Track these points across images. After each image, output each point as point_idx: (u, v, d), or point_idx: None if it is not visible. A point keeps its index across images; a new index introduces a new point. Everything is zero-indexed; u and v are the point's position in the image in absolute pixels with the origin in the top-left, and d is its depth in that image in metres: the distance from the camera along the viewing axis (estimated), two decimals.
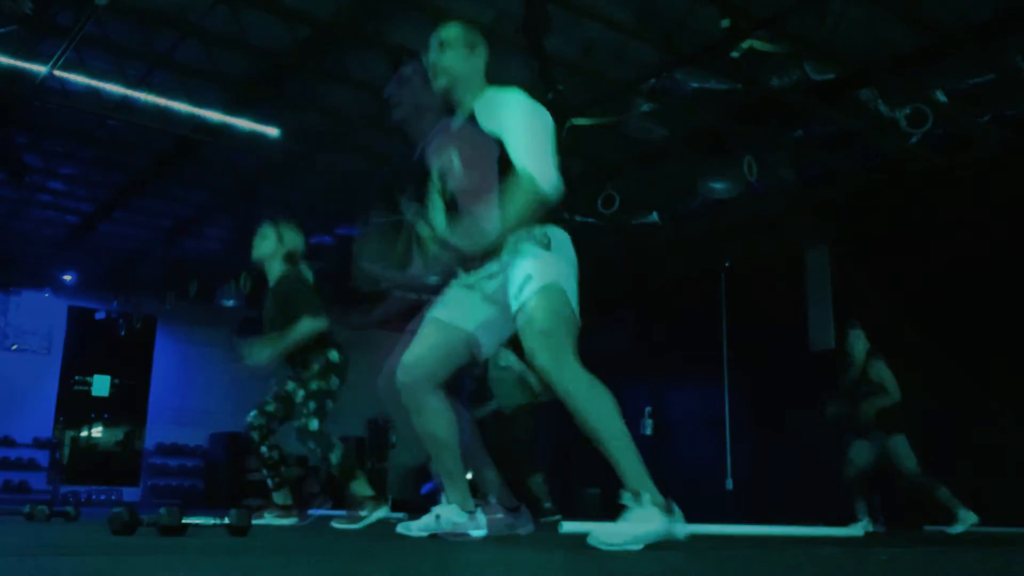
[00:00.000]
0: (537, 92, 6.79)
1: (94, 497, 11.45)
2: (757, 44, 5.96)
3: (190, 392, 12.38)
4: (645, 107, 7.10)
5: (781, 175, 7.76)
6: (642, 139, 7.72)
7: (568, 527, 3.82)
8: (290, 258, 4.79)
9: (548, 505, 7.20)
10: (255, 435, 4.62)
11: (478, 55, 2.96)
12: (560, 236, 2.79)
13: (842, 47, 6.14)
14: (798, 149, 7.74)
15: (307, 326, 4.51)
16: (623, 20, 6.07)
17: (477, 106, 2.88)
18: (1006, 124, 7.06)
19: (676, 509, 2.53)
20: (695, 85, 6.80)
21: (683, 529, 2.50)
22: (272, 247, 4.78)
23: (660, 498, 2.52)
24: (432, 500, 3.22)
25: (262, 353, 4.50)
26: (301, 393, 4.53)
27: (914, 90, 6.62)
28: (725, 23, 5.58)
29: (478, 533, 2.94)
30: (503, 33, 6.12)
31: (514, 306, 2.68)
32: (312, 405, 4.50)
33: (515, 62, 6.40)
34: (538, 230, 2.72)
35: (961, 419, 7.62)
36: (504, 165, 2.76)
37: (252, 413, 4.65)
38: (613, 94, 6.93)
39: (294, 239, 4.84)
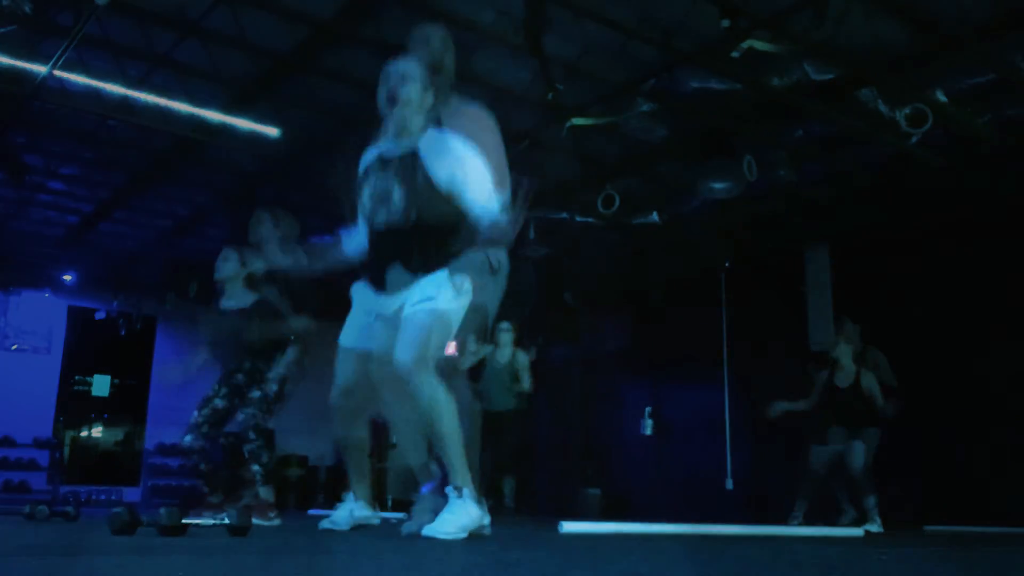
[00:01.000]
0: (537, 92, 6.81)
1: (94, 497, 11.44)
2: (757, 44, 5.96)
3: (190, 392, 12.36)
4: (645, 107, 7.09)
5: (781, 175, 7.75)
6: (642, 139, 7.72)
7: (568, 527, 3.82)
8: (252, 281, 4.87)
9: (511, 505, 7.39)
10: (194, 458, 4.79)
11: (429, 94, 3.21)
12: (469, 287, 3.08)
13: (842, 47, 6.14)
14: (798, 149, 7.73)
15: (293, 353, 4.75)
16: (623, 20, 6.06)
17: (422, 143, 3.09)
18: (1006, 124, 7.06)
19: (484, 502, 3.01)
20: (695, 85, 6.79)
21: (488, 522, 2.98)
22: (234, 270, 4.85)
23: (476, 495, 2.97)
24: (433, 500, 3.24)
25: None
26: (259, 394, 4.74)
27: (914, 90, 6.62)
28: (725, 23, 5.58)
29: (376, 522, 3.45)
30: (503, 33, 6.12)
31: (405, 312, 3.01)
32: (266, 406, 4.74)
33: (515, 62, 6.41)
34: (456, 276, 3.03)
35: (961, 419, 7.62)
36: (448, 213, 3.02)
37: (187, 437, 4.77)
38: (613, 94, 6.92)
39: (256, 264, 4.91)
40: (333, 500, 6.63)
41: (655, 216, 9.07)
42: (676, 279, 10.42)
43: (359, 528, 3.38)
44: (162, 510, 2.69)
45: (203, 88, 7.09)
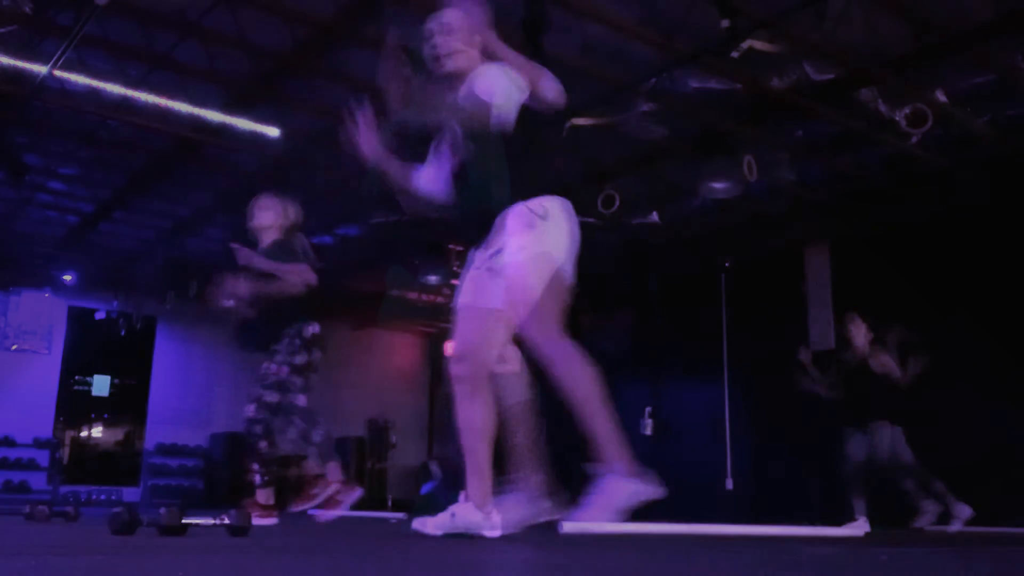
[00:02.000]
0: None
1: (94, 497, 11.44)
2: (757, 44, 5.96)
3: (190, 392, 12.39)
4: (645, 107, 7.10)
5: (781, 175, 7.76)
6: (642, 139, 7.72)
7: (568, 527, 3.81)
8: (290, 230, 4.82)
9: None
10: (257, 429, 4.54)
11: (476, 39, 3.08)
12: (558, 207, 2.88)
13: (842, 47, 6.14)
14: (798, 149, 7.74)
15: (304, 271, 4.54)
16: (623, 20, 6.07)
17: (477, 83, 2.96)
18: (1006, 124, 7.06)
19: (495, 516, 2.86)
20: (695, 85, 6.80)
21: (494, 532, 2.82)
22: (273, 219, 4.76)
23: (485, 505, 2.84)
24: (432, 500, 3.24)
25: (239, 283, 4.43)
26: (286, 369, 4.50)
27: (914, 90, 6.62)
28: (725, 23, 5.58)
29: (492, 533, 2.89)
30: (503, 33, 6.12)
31: (473, 269, 2.86)
32: (299, 381, 4.49)
33: None
34: (537, 202, 2.82)
35: (961, 418, 7.62)
36: (505, 134, 2.86)
37: (251, 408, 4.57)
38: (613, 94, 6.92)
39: (297, 214, 4.86)
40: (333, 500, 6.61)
41: (655, 216, 9.07)
42: (676, 279, 10.42)
43: (371, 529, 3.30)
44: (162, 510, 2.69)
45: (203, 88, 7.09)
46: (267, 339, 4.62)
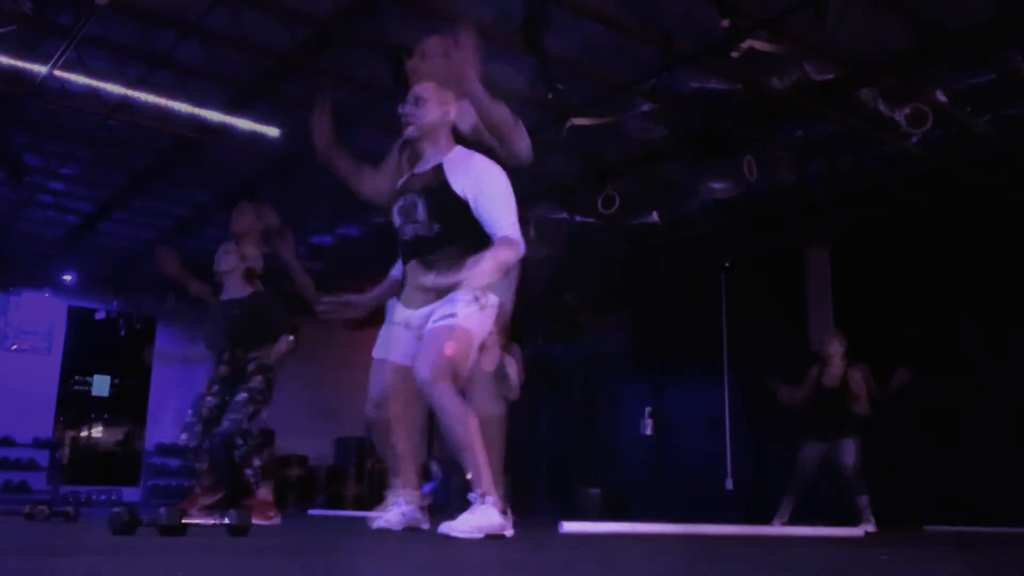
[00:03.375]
0: (537, 92, 6.80)
1: (94, 497, 11.45)
2: (757, 44, 5.96)
3: (190, 392, 12.35)
4: (645, 107, 7.09)
5: (781, 175, 7.75)
6: (642, 139, 7.72)
7: (568, 527, 3.82)
8: (265, 234, 4.93)
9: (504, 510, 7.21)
10: (189, 456, 4.81)
11: (447, 112, 3.33)
12: (494, 301, 3.20)
13: (842, 47, 6.14)
14: (798, 149, 7.73)
15: (285, 345, 4.79)
16: (623, 20, 6.07)
17: (446, 161, 3.23)
18: (1006, 124, 7.06)
19: (509, 513, 3.12)
20: (695, 85, 6.80)
21: (510, 530, 3.04)
22: (249, 224, 4.92)
23: (499, 503, 3.03)
24: (432, 500, 3.27)
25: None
26: (244, 395, 4.75)
27: (914, 90, 6.62)
28: (725, 23, 5.58)
29: (509, 532, 3.17)
30: (503, 33, 6.12)
31: (428, 325, 3.13)
32: (251, 409, 4.75)
33: (515, 62, 6.41)
34: (479, 292, 3.12)
35: (961, 419, 7.62)
36: (468, 224, 3.15)
37: (183, 436, 4.84)
38: (613, 94, 6.92)
39: (273, 219, 5.03)
40: (333, 500, 6.61)
41: (655, 216, 9.07)
42: (676, 279, 10.42)
43: (409, 531, 3.39)
44: (162, 510, 2.69)
45: (203, 88, 7.09)
46: (232, 339, 4.76)
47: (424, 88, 3.32)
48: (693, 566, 2.01)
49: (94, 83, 6.74)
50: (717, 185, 7.56)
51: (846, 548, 3.32)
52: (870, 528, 6.27)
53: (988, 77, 6.48)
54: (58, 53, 6.21)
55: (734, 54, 5.98)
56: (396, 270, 3.53)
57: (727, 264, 9.97)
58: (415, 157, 3.37)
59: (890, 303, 8.20)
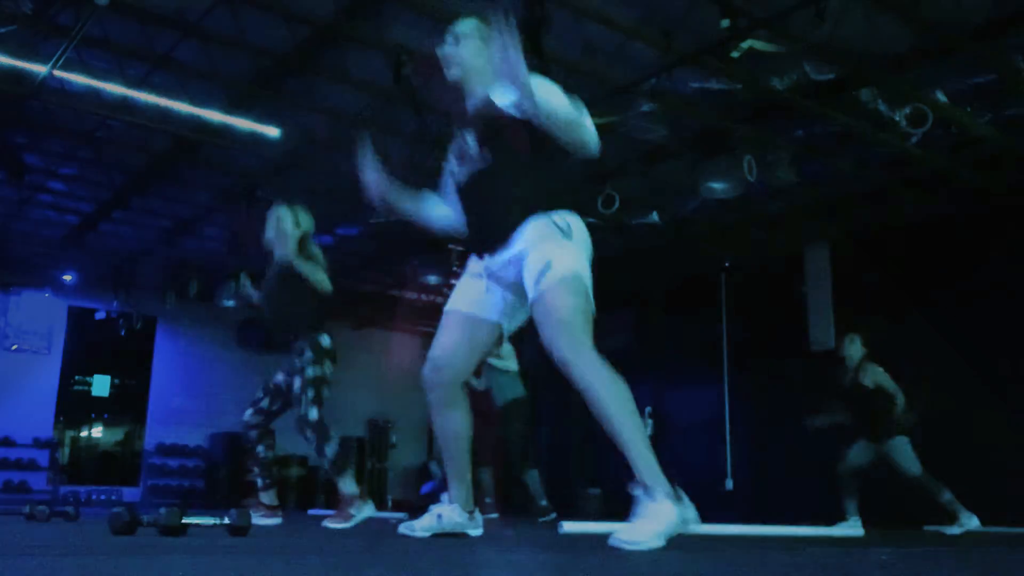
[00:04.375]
0: None
1: (94, 497, 11.45)
2: (757, 44, 5.96)
3: (190, 392, 12.38)
4: (645, 107, 7.09)
5: (781, 175, 7.75)
6: (642, 139, 7.72)
7: (568, 527, 3.82)
8: (303, 241, 4.80)
9: (543, 504, 7.15)
10: (253, 434, 4.63)
11: (492, 46, 2.86)
12: (579, 225, 2.76)
13: (842, 47, 6.14)
14: (798, 149, 7.74)
15: (324, 279, 4.55)
16: (623, 20, 6.07)
17: (493, 91, 2.87)
18: (1006, 124, 7.06)
19: (684, 497, 2.54)
20: (695, 85, 6.79)
21: (694, 517, 2.52)
22: (289, 229, 4.70)
23: (670, 489, 2.51)
24: (432, 500, 3.24)
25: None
26: (298, 381, 4.50)
27: (914, 90, 6.62)
28: (725, 23, 5.58)
29: (476, 532, 2.99)
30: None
31: (532, 294, 2.66)
32: (311, 393, 4.46)
33: None
34: (559, 216, 2.71)
35: (963, 418, 7.62)
36: (524, 148, 2.75)
37: (248, 412, 4.65)
38: (613, 94, 6.92)
39: (308, 222, 4.87)
40: (333, 500, 6.66)
41: (655, 216, 9.07)
42: (676, 279, 10.42)
43: (373, 529, 3.30)
44: (162, 510, 2.69)
45: (203, 88, 7.09)
46: (273, 342, 4.67)
47: (465, 24, 2.99)
48: (693, 566, 2.01)
49: (94, 83, 6.74)
50: (717, 185, 7.56)
51: (846, 548, 3.32)
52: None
53: (988, 77, 6.48)
54: (58, 53, 6.21)
55: (734, 54, 5.98)
56: (438, 210, 3.06)
57: (727, 264, 9.97)
58: (462, 98, 3.00)
59: (890, 303, 8.20)
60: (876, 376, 6.67)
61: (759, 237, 9.39)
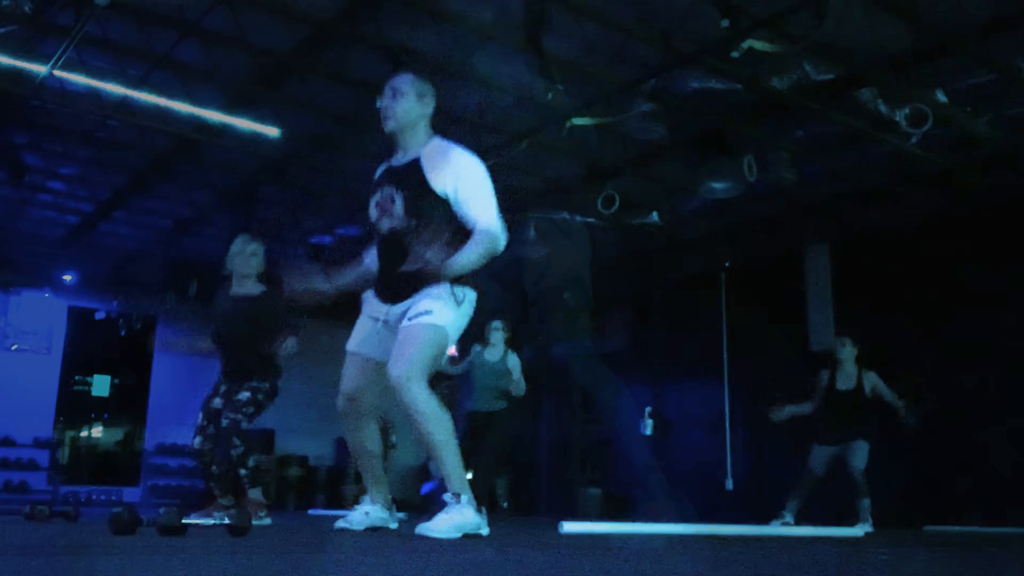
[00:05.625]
0: (537, 92, 6.79)
1: (94, 497, 11.44)
2: (757, 44, 5.96)
3: (190, 392, 12.36)
4: (645, 107, 7.09)
5: (781, 175, 7.76)
6: (642, 139, 7.72)
7: (568, 527, 3.82)
8: (266, 277, 4.90)
9: (505, 505, 7.23)
10: (208, 459, 4.75)
11: (426, 104, 3.26)
12: (471, 299, 3.19)
13: (842, 47, 6.14)
14: (798, 149, 7.74)
15: (293, 344, 4.71)
16: (623, 20, 6.07)
17: (423, 153, 3.18)
18: (1006, 124, 7.06)
19: (484, 511, 3.10)
20: (695, 85, 6.79)
21: (486, 528, 3.02)
22: (259, 266, 4.93)
23: (474, 501, 3.01)
24: (432, 499, 3.28)
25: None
26: (247, 395, 4.72)
27: (914, 90, 6.62)
28: (725, 23, 5.58)
29: (394, 526, 3.39)
30: (503, 33, 6.12)
31: (403, 323, 3.09)
32: (251, 409, 4.73)
33: (515, 62, 6.41)
34: (457, 288, 3.11)
35: (961, 418, 7.62)
36: (445, 220, 3.09)
37: (196, 440, 4.77)
38: (613, 94, 6.92)
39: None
40: (333, 500, 6.62)
41: (655, 216, 9.07)
42: (676, 279, 10.42)
43: (374, 530, 3.37)
44: (162, 510, 2.69)
45: (203, 88, 7.09)
46: (239, 365, 4.77)
47: (402, 80, 3.26)
48: (693, 566, 2.01)
49: (94, 83, 6.74)
50: (717, 185, 7.55)
51: (846, 548, 3.32)
52: (868, 529, 6.27)
53: (988, 77, 6.48)
54: (58, 53, 6.21)
55: (734, 54, 5.98)
56: (369, 259, 3.47)
57: (727, 264, 9.97)
58: (393, 148, 3.32)
59: (890, 303, 8.19)
60: (875, 384, 6.68)
61: (759, 237, 9.39)
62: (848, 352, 6.83)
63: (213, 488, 4.85)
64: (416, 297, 3.11)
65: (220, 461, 4.69)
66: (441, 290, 3.10)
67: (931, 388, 7.26)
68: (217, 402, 4.79)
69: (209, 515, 4.58)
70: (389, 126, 3.24)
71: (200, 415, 4.79)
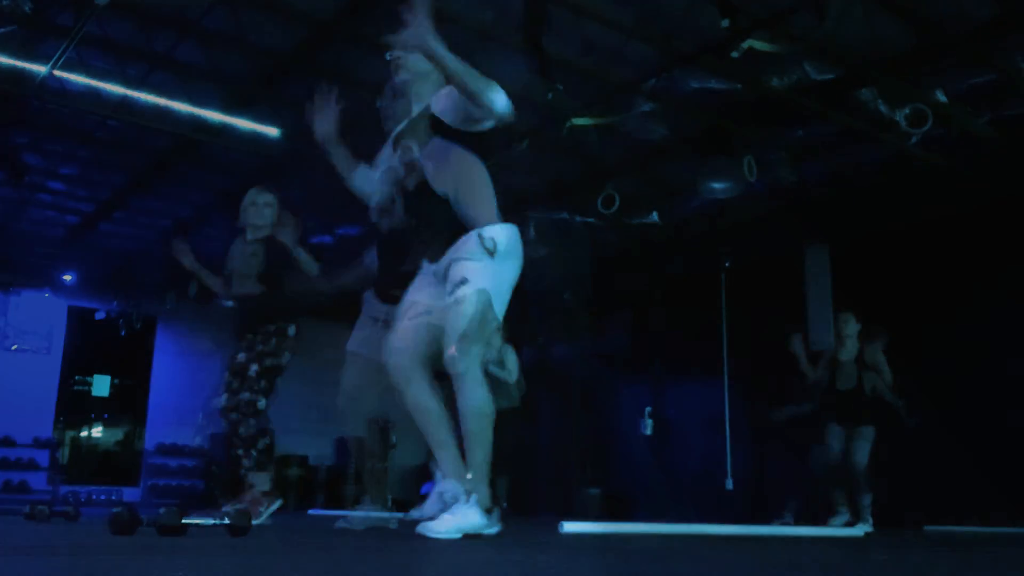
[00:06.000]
0: (537, 92, 6.78)
1: (94, 497, 11.44)
2: (757, 44, 5.96)
3: (190, 392, 12.38)
4: (645, 107, 7.10)
5: (781, 175, 7.76)
6: (642, 139, 7.72)
7: (568, 527, 3.82)
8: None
9: (505, 505, 7.28)
10: (234, 416, 4.60)
11: (432, 79, 3.23)
12: (509, 239, 3.01)
13: (842, 47, 6.14)
14: (798, 149, 7.73)
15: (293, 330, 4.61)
16: (623, 20, 6.07)
17: (424, 155, 3.10)
18: (1006, 124, 7.06)
19: (496, 512, 3.03)
20: (695, 85, 6.79)
21: (494, 530, 2.94)
22: (272, 217, 4.90)
23: (487, 501, 2.92)
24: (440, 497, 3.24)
25: None
26: (255, 368, 4.56)
27: (914, 90, 6.62)
28: (725, 23, 5.58)
29: (492, 531, 3.06)
30: (503, 33, 6.12)
31: (447, 300, 2.95)
32: (263, 383, 4.55)
33: (515, 62, 6.41)
34: (487, 234, 2.95)
35: (961, 418, 7.61)
36: (445, 220, 3.03)
37: (224, 396, 4.63)
38: (613, 94, 6.92)
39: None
40: (333, 500, 6.61)
41: (655, 216, 9.07)
42: (676, 279, 10.42)
43: (374, 529, 3.37)
44: (162, 510, 2.69)
45: (203, 88, 7.09)
46: (245, 327, 4.71)
47: (403, 80, 3.29)
48: (693, 566, 2.01)
49: (94, 83, 6.75)
50: (717, 185, 7.56)
51: (846, 548, 3.32)
52: (868, 529, 6.27)
53: (988, 77, 6.48)
54: (58, 53, 6.21)
55: (734, 54, 5.98)
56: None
57: (727, 264, 9.97)
58: (395, 148, 3.30)
59: (890, 303, 8.19)
60: (876, 356, 6.68)
61: (759, 237, 9.39)
62: (852, 328, 6.83)
63: (213, 488, 4.82)
64: (450, 255, 3.00)
65: (220, 461, 4.65)
66: (471, 246, 2.96)
67: (930, 389, 7.27)
68: (242, 356, 4.62)
69: (208, 515, 4.52)
70: (403, 76, 3.23)
71: (227, 374, 4.68)
